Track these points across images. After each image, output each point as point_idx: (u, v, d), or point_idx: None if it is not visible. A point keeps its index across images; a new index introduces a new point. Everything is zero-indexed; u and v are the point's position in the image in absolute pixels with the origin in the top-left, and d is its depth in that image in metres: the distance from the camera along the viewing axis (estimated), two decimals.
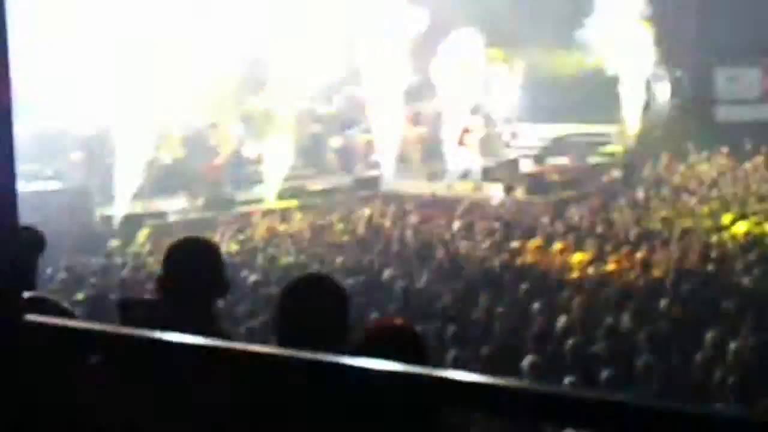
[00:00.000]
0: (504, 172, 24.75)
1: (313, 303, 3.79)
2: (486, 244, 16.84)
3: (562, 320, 11.11)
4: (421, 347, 3.56)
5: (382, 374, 1.72)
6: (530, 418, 1.80)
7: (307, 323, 3.70)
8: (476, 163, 24.98)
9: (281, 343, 3.15)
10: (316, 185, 23.91)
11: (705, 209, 18.97)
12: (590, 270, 14.62)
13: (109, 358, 3.17)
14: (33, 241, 4.44)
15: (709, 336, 10.15)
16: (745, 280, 13.44)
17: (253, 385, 2.97)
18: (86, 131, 22.83)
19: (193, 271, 4.22)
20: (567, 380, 8.68)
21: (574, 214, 19.45)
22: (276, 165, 23.44)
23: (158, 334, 1.90)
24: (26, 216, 2.04)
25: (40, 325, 2.00)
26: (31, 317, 1.98)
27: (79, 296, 12.92)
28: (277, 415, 3.45)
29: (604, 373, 9.05)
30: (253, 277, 14.10)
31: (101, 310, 11.55)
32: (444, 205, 21.25)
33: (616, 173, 24.01)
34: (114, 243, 18.56)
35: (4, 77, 1.91)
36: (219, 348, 1.90)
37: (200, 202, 22.00)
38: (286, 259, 16.48)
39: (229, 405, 3.47)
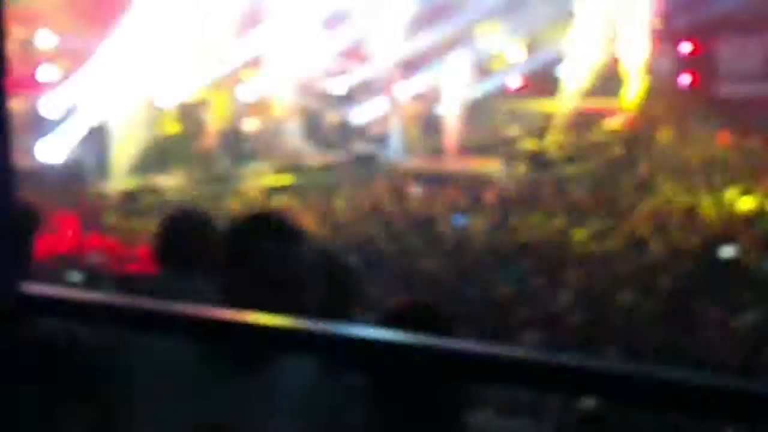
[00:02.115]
0: (505, 148, 24.73)
1: (318, 277, 3.70)
2: (487, 220, 16.80)
3: (563, 296, 11.10)
4: (446, 327, 3.46)
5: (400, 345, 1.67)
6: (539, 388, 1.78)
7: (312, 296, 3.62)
8: None
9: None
10: (316, 161, 23.86)
11: (708, 185, 18.91)
12: (592, 246, 14.58)
13: (111, 328, 3.12)
14: (29, 218, 4.38)
15: (713, 313, 10.14)
16: (750, 256, 13.40)
17: (255, 355, 2.91)
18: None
19: (188, 242, 4.19)
20: None
21: (575, 190, 19.40)
22: (276, 140, 23.41)
23: (157, 304, 1.86)
24: (21, 192, 2.02)
25: (38, 295, 1.96)
26: (30, 287, 1.95)
27: (76, 276, 12.86)
28: (276, 390, 3.38)
29: (606, 349, 9.04)
30: None
31: (98, 287, 11.51)
32: (445, 181, 21.20)
33: (618, 149, 23.95)
34: (110, 219, 18.53)
35: None
36: (216, 318, 1.85)
37: (197, 177, 21.96)
38: None
39: (229, 374, 3.41)
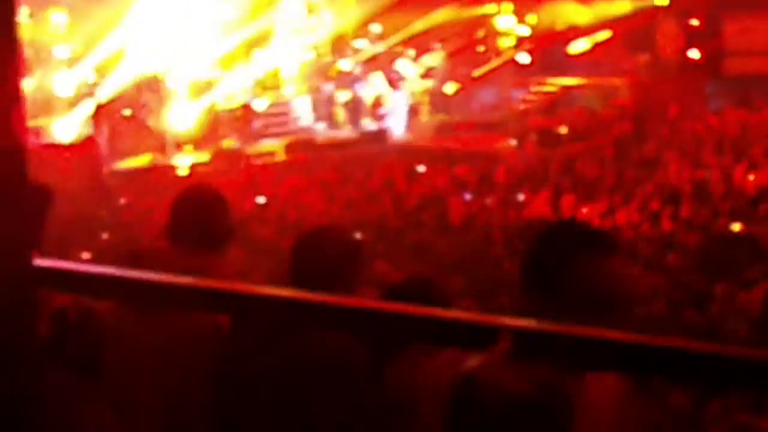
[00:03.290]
0: (514, 124, 24.72)
1: (324, 254, 3.77)
2: (496, 196, 16.82)
3: None
4: (447, 300, 3.52)
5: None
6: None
7: (319, 275, 3.68)
8: None
9: None
10: (325, 138, 23.87)
11: (715, 161, 18.90)
12: (600, 223, 14.60)
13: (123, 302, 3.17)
14: (40, 197, 4.42)
15: (720, 288, 10.15)
16: (757, 232, 13.40)
17: (268, 328, 2.96)
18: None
19: (200, 220, 4.23)
20: None
21: (584, 166, 19.40)
22: (284, 118, 23.43)
23: (171, 278, 1.91)
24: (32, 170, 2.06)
25: (52, 269, 2.01)
26: (43, 262, 1.99)
27: (85, 254, 12.93)
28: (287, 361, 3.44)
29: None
30: (262, 230, 14.13)
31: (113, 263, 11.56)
32: (454, 158, 21.21)
33: (627, 126, 23.90)
34: (122, 197, 18.60)
35: (10, 30, 1.92)
36: (230, 292, 1.90)
37: (208, 155, 22.02)
38: (296, 213, 16.48)
39: (241, 348, 3.47)
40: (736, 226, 13.68)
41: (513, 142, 22.97)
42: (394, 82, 25.39)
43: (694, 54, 27.57)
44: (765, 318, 9.35)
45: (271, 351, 3.42)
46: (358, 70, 25.71)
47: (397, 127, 24.95)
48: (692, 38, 27.76)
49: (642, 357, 1.56)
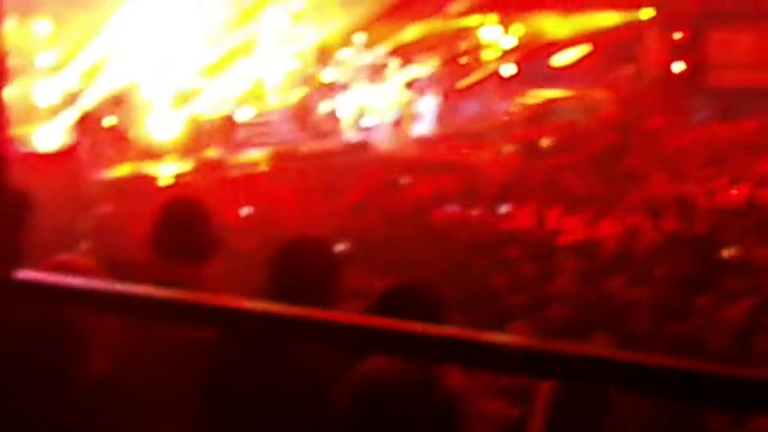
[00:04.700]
0: (497, 136, 24.75)
1: (303, 266, 3.74)
2: (478, 208, 16.82)
3: (555, 285, 11.12)
4: (441, 306, 3.48)
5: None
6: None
7: (299, 286, 3.65)
8: None
9: None
10: (309, 149, 23.83)
11: (699, 174, 18.96)
12: (583, 235, 14.61)
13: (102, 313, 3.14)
14: (19, 205, 4.38)
15: (702, 302, 10.16)
16: (740, 246, 13.43)
17: (247, 343, 2.93)
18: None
19: (183, 231, 4.20)
20: None
21: (568, 179, 19.43)
22: (267, 129, 23.38)
23: (151, 291, 1.87)
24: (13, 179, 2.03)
25: (32, 282, 1.97)
26: (24, 274, 1.96)
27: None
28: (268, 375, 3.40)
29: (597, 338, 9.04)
30: (244, 241, 14.07)
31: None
32: (437, 170, 21.22)
33: (610, 138, 23.96)
34: (104, 205, 18.50)
35: None
36: (210, 306, 1.87)
37: (190, 165, 21.95)
38: (279, 224, 16.43)
39: (226, 363, 3.43)
40: (719, 240, 13.69)
41: (497, 154, 22.98)
42: (378, 92, 25.38)
43: (677, 67, 27.69)
44: (747, 332, 9.36)
45: (256, 366, 3.39)
46: (342, 81, 25.69)
47: (380, 138, 24.94)
48: (676, 51, 27.88)
49: (621, 372, 1.54)
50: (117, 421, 3.38)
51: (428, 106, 25.97)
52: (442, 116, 25.82)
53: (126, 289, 1.92)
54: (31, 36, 22.40)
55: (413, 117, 25.88)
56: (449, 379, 2.55)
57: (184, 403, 3.72)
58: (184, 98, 23.35)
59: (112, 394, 3.46)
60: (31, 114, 21.43)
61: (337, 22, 25.51)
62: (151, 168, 21.45)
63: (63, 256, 3.67)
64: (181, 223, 4.22)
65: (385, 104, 25.36)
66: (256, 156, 22.89)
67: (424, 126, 25.65)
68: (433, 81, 26.03)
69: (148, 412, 3.62)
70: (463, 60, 27.60)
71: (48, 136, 21.56)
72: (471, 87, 26.83)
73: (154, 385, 3.77)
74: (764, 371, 1.44)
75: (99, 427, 3.28)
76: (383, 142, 24.82)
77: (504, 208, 16.57)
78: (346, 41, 25.93)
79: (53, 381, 3.30)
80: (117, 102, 21.67)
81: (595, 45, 26.93)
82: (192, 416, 3.65)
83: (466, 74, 27.02)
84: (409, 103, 25.88)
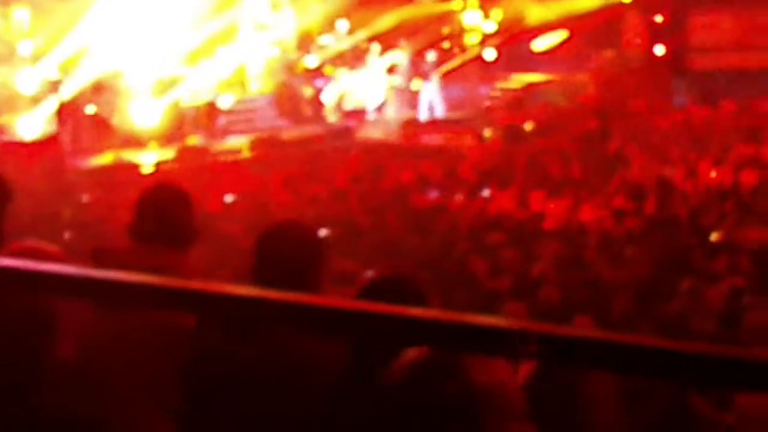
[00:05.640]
0: (479, 120, 24.77)
1: (287, 251, 3.73)
2: (460, 193, 16.83)
3: (537, 269, 11.13)
4: (423, 296, 3.47)
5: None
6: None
7: (283, 271, 3.64)
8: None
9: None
10: (291, 135, 23.79)
11: (680, 157, 19.00)
12: (566, 218, 14.63)
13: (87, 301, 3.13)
14: (1, 192, 4.36)
15: (685, 284, 10.19)
16: (720, 228, 13.48)
17: (230, 328, 2.93)
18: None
19: (165, 218, 4.19)
20: None
21: (549, 162, 19.43)
22: (249, 115, 23.36)
23: (132, 277, 1.87)
24: None
25: (12, 268, 1.97)
26: (3, 261, 1.95)
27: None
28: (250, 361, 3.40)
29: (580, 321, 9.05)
30: (227, 228, 14.05)
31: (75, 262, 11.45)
32: (419, 155, 21.22)
33: (592, 122, 23.99)
34: (85, 195, 18.46)
35: None
36: (193, 291, 1.86)
37: (173, 152, 21.91)
38: (262, 210, 16.41)
39: (207, 348, 3.43)
40: (700, 222, 13.73)
41: (478, 139, 22.99)
42: (359, 78, 25.36)
43: (658, 50, 27.73)
44: (729, 313, 9.40)
45: (238, 351, 3.39)
46: (323, 67, 25.65)
47: (362, 123, 24.94)
48: (657, 34, 27.91)
49: (607, 354, 1.55)
50: (86, 406, 3.38)
51: (410, 91, 25.94)
52: (424, 101, 25.78)
53: (106, 275, 1.92)
54: (12, 24, 22.29)
55: (395, 102, 25.86)
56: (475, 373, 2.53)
57: (158, 389, 3.72)
58: (165, 85, 23.28)
59: (79, 379, 3.46)
60: (12, 103, 21.36)
61: (318, 7, 25.47)
62: (133, 156, 21.40)
63: (28, 242, 3.65)
64: (162, 210, 4.21)
65: (367, 90, 25.34)
66: (238, 143, 22.86)
67: (407, 111, 25.62)
68: (414, 66, 25.98)
69: (118, 398, 3.62)
70: (445, 45, 27.60)
71: (30, 125, 21.48)
72: (452, 71, 26.80)
73: (125, 370, 3.77)
74: (746, 351, 1.46)
75: (68, 412, 3.28)
76: (365, 127, 24.82)
77: (486, 193, 16.58)
78: (327, 27, 25.90)
79: (20, 365, 3.30)
80: (99, 90, 21.60)
81: (575, 29, 26.94)
82: (168, 402, 3.64)
83: (448, 59, 26.99)
84: (391, 89, 25.86)
